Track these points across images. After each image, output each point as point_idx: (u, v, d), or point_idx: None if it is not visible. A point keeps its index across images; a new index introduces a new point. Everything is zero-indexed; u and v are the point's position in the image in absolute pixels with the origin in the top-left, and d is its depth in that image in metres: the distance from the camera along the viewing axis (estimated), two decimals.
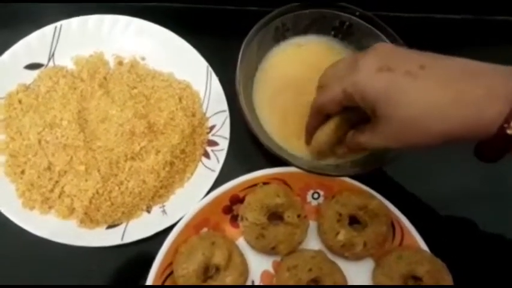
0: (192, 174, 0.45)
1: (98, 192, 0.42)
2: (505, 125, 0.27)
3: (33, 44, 0.46)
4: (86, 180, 0.42)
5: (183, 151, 0.45)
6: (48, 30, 0.46)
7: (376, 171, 0.42)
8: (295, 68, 0.48)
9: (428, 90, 0.30)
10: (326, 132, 0.39)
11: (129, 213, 0.43)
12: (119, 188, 0.43)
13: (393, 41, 0.45)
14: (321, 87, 0.40)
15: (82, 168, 0.42)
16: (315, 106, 0.39)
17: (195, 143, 0.46)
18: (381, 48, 0.34)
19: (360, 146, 0.37)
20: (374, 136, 0.35)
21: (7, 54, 0.45)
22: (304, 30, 0.48)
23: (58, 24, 0.46)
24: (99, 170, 0.42)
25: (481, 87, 0.29)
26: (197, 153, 0.46)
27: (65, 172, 0.42)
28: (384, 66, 0.32)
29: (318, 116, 0.39)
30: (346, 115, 0.38)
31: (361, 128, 0.37)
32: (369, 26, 0.46)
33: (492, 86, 0.28)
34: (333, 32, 0.48)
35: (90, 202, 0.42)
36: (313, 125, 0.41)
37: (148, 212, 0.44)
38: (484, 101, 0.28)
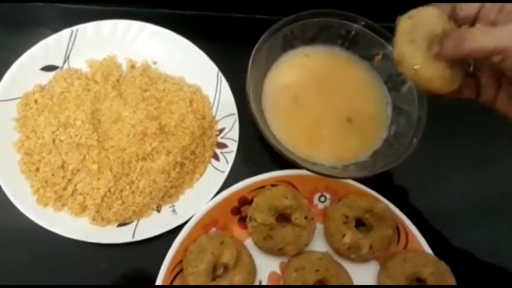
0: (201, 175, 0.46)
1: (109, 191, 0.43)
2: None
3: (50, 47, 0.47)
4: (98, 179, 0.43)
5: (193, 152, 0.46)
6: (64, 34, 0.48)
7: (381, 175, 0.43)
8: (302, 76, 0.49)
9: None
10: (436, 11, 0.33)
11: (140, 212, 0.44)
12: (130, 187, 0.44)
13: None
14: None
15: (95, 167, 0.43)
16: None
17: (205, 144, 0.47)
18: None
19: (460, 42, 0.30)
20: (489, 30, 0.30)
21: (25, 56, 0.46)
22: (312, 39, 0.49)
23: (74, 28, 0.48)
24: (111, 169, 0.43)
25: None
26: (207, 154, 0.47)
27: (78, 171, 0.43)
28: None
29: (447, 7, 0.34)
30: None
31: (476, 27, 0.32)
32: (374, 35, 0.48)
33: None
34: (339, 41, 0.50)
35: (102, 200, 0.43)
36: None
37: (159, 211, 0.45)
38: None
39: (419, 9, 0.34)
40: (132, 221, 0.44)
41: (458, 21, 0.33)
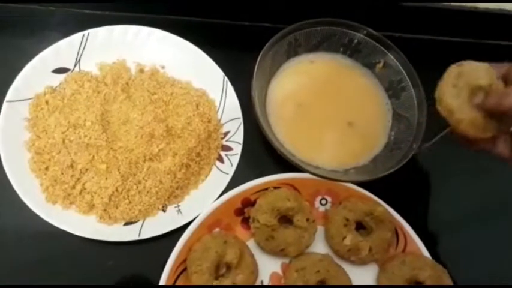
0: (206, 176, 0.48)
1: (117, 190, 0.44)
2: None
3: (62, 50, 0.49)
4: (106, 179, 0.44)
5: (198, 154, 0.47)
6: (76, 37, 0.49)
7: (381, 179, 0.45)
8: (305, 82, 0.51)
9: None
10: (485, 66, 0.35)
11: (146, 212, 0.45)
12: (137, 187, 0.45)
13: (397, 58, 0.48)
14: None
15: (103, 166, 0.44)
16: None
17: (210, 147, 0.48)
18: None
19: (502, 98, 0.33)
20: None
21: (37, 58, 0.47)
22: (315, 47, 0.51)
23: (86, 32, 0.49)
24: (119, 169, 0.45)
25: None
26: (212, 157, 0.48)
27: (86, 170, 0.44)
28: None
29: (504, 67, 0.35)
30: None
31: None
32: (376, 43, 0.49)
33: None
34: (342, 49, 0.51)
35: (110, 199, 0.44)
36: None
37: (164, 211, 0.46)
38: None
39: (470, 61, 0.36)
40: (138, 220, 0.45)
41: (509, 83, 0.34)
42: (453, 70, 0.36)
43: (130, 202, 0.44)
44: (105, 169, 0.44)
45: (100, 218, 0.44)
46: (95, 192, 0.44)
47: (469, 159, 0.42)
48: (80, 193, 0.44)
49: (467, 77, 0.35)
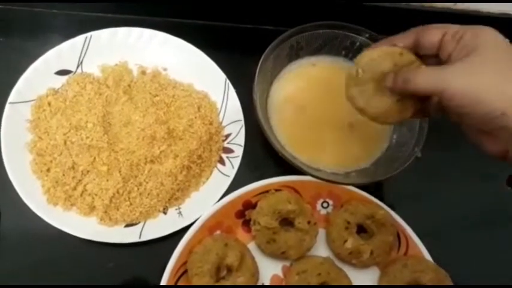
0: (207, 178, 0.48)
1: (118, 192, 0.44)
2: None
3: (64, 52, 0.49)
4: (107, 180, 0.44)
5: (199, 156, 0.47)
6: (78, 40, 0.49)
7: (383, 182, 0.45)
8: (307, 85, 0.51)
9: None
10: (379, 52, 0.35)
11: (147, 214, 0.45)
12: (138, 189, 0.45)
13: None
14: None
15: (104, 168, 0.44)
16: (420, 28, 0.34)
17: (211, 149, 0.48)
18: None
19: (408, 81, 0.32)
20: (437, 71, 0.31)
21: (40, 60, 0.48)
22: (317, 50, 0.51)
23: (88, 34, 0.50)
24: (120, 171, 0.45)
25: None
26: (213, 159, 0.48)
27: (88, 172, 0.45)
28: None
29: (408, 37, 0.35)
30: (412, 54, 0.34)
31: (422, 67, 0.34)
32: None
33: None
34: (343, 52, 0.51)
35: (111, 201, 0.44)
36: (393, 40, 0.36)
37: (165, 213, 0.46)
38: None
39: (362, 54, 0.36)
40: (139, 222, 0.45)
41: (423, 51, 0.34)
42: (351, 70, 0.36)
43: (131, 204, 0.44)
44: (107, 171, 0.44)
45: (101, 219, 0.44)
46: (96, 194, 0.44)
47: (470, 162, 0.42)
48: (81, 195, 0.44)
49: (369, 69, 0.35)
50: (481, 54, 0.30)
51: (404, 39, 0.35)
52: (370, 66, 0.35)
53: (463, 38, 0.32)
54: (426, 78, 0.32)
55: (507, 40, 0.32)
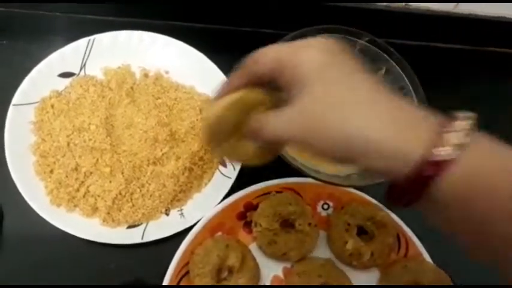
0: (209, 180, 0.48)
1: (120, 194, 0.44)
2: (431, 151, 0.22)
3: (68, 54, 0.49)
4: (110, 182, 0.45)
5: (201, 158, 0.47)
6: (82, 42, 0.50)
7: (383, 184, 0.45)
8: None
9: (360, 91, 0.25)
10: (222, 107, 0.31)
11: (149, 215, 0.45)
12: (140, 191, 0.45)
13: (399, 64, 0.49)
14: None
15: (107, 170, 0.45)
16: (252, 57, 0.31)
17: None
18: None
19: (258, 132, 0.29)
20: (279, 118, 0.28)
21: (43, 63, 0.48)
22: None
23: (91, 37, 0.50)
24: (122, 173, 0.45)
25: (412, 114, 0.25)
26: (215, 161, 0.48)
27: (91, 173, 0.45)
28: (326, 49, 0.27)
29: (243, 74, 0.31)
30: (257, 93, 0.31)
31: (267, 112, 0.30)
32: (378, 50, 0.50)
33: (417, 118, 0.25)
34: None
35: (113, 202, 0.44)
36: (232, 84, 0.32)
37: (167, 214, 0.46)
38: (413, 119, 0.24)
39: (208, 111, 0.32)
40: (141, 223, 0.45)
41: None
42: (204, 127, 0.33)
43: (133, 205, 0.45)
44: (109, 172, 0.45)
45: (103, 220, 0.44)
46: (99, 195, 0.44)
47: None
48: (84, 196, 0.44)
49: (219, 128, 0.32)
50: (308, 92, 0.26)
51: (240, 79, 0.31)
52: (219, 125, 0.32)
53: (286, 67, 0.27)
54: (270, 129, 0.28)
55: (340, 52, 0.28)
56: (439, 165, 0.22)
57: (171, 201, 0.46)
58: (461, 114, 0.24)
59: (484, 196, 0.22)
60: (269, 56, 0.29)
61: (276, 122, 0.28)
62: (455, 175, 0.22)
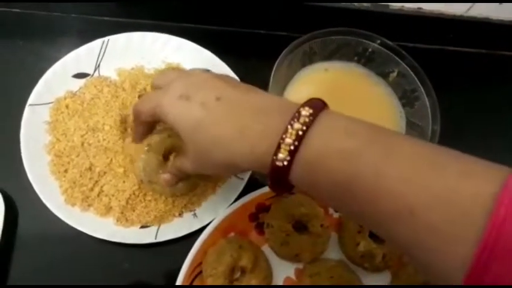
0: (223, 182, 0.48)
1: (134, 193, 0.45)
2: (274, 157, 0.28)
3: (82, 55, 0.50)
4: (124, 182, 0.45)
5: None
6: (96, 44, 0.50)
7: None
8: (320, 90, 0.52)
9: (216, 123, 0.31)
10: (145, 146, 0.41)
11: (161, 218, 0.45)
12: (152, 194, 0.45)
13: (411, 67, 0.49)
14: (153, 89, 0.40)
15: (121, 170, 0.45)
16: (134, 110, 0.39)
17: None
18: (193, 75, 0.35)
19: (177, 169, 0.38)
20: (184, 158, 0.36)
21: (58, 64, 0.48)
22: (330, 55, 0.52)
23: (106, 39, 0.51)
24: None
25: (261, 123, 0.30)
26: None
27: (105, 173, 0.45)
28: (184, 95, 0.32)
29: (139, 122, 0.40)
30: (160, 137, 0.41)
31: (178, 157, 0.39)
32: (390, 53, 0.50)
33: (270, 123, 0.29)
34: (356, 58, 0.52)
35: (127, 202, 0.44)
36: (139, 132, 0.41)
37: (181, 216, 0.46)
38: (260, 136, 0.29)
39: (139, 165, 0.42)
40: (153, 224, 0.45)
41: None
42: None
43: (146, 206, 0.45)
44: (123, 173, 0.45)
45: (117, 220, 0.44)
46: (113, 195, 0.45)
47: None
48: (98, 195, 0.45)
49: (149, 175, 0.42)
50: (187, 145, 0.34)
51: (140, 127, 0.41)
52: (147, 171, 0.42)
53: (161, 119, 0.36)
54: (182, 165, 0.37)
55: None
56: (284, 159, 0.27)
57: (185, 205, 0.46)
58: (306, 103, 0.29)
59: (324, 178, 0.27)
60: (146, 109, 0.36)
61: (183, 161, 0.37)
62: (299, 162, 0.27)
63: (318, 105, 0.29)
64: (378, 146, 0.26)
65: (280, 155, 0.28)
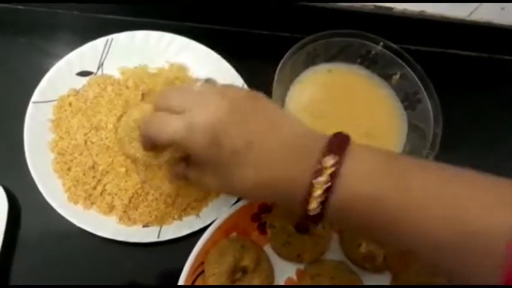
0: None
1: (136, 193, 0.45)
2: (306, 207, 0.30)
3: (86, 53, 0.50)
4: (126, 181, 0.45)
5: None
6: (100, 42, 0.50)
7: None
8: (323, 91, 0.52)
9: (248, 174, 0.32)
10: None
11: (162, 219, 0.45)
12: (153, 194, 0.45)
13: (414, 70, 0.49)
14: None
15: (123, 170, 0.45)
16: (145, 135, 0.37)
17: None
18: (210, 103, 0.32)
19: (184, 178, 0.39)
20: (202, 176, 0.35)
21: (62, 61, 0.48)
22: (333, 57, 0.52)
23: (109, 37, 0.51)
24: (138, 173, 0.45)
25: (290, 170, 0.31)
26: None
27: (107, 172, 0.45)
28: (214, 143, 0.31)
29: (150, 145, 0.39)
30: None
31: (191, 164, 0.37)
32: (393, 55, 0.50)
33: (298, 169, 0.30)
34: (359, 60, 0.52)
35: (130, 201, 0.44)
36: (147, 148, 0.41)
37: (180, 220, 0.46)
38: (295, 178, 0.30)
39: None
40: (155, 224, 0.45)
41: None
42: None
43: (148, 206, 0.45)
44: (125, 172, 0.45)
45: (120, 219, 0.44)
46: (116, 194, 0.45)
47: (484, 171, 0.43)
48: (101, 194, 0.45)
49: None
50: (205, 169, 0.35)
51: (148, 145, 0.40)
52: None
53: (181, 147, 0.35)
54: (196, 180, 0.37)
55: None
56: (315, 209, 0.30)
57: (185, 208, 0.46)
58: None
59: (356, 219, 0.30)
60: (164, 139, 0.34)
61: (200, 178, 0.36)
62: (329, 209, 0.30)
63: (341, 148, 0.30)
64: (406, 184, 0.29)
65: (312, 206, 0.30)
